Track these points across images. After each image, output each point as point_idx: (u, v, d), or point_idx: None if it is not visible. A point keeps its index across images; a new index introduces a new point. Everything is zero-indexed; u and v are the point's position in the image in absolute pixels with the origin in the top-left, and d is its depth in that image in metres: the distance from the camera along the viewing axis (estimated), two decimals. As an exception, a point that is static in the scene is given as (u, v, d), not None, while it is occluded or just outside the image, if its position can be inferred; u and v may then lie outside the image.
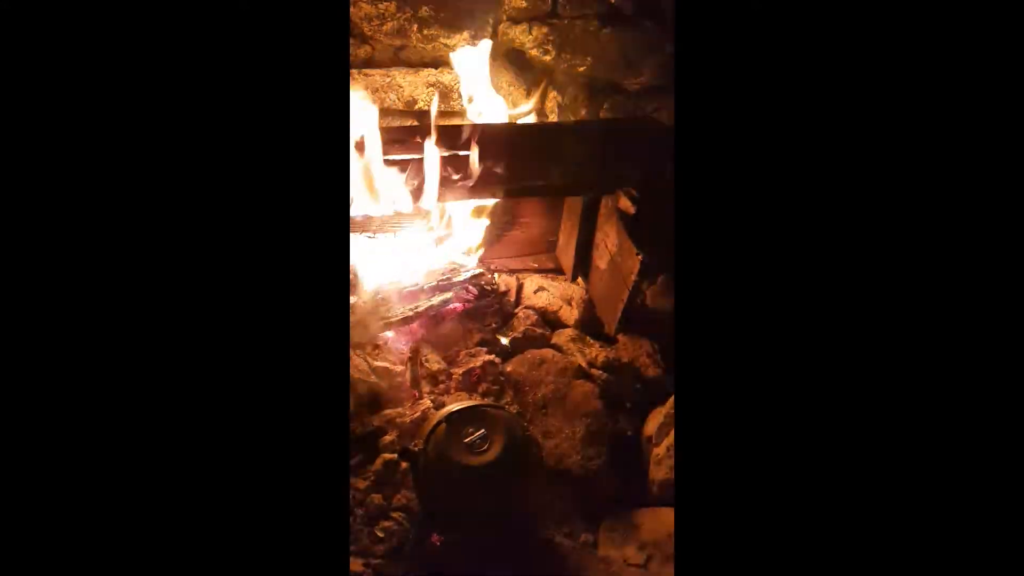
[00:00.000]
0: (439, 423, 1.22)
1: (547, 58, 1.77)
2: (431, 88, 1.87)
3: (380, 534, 1.19)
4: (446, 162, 1.51)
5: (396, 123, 1.88)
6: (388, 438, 1.35)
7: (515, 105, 1.89)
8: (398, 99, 1.87)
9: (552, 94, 1.88)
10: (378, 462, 1.29)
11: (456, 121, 1.90)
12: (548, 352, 1.58)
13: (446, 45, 1.81)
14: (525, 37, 1.76)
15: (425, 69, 1.85)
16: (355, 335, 1.48)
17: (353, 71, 1.81)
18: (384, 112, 1.88)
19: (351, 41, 1.80)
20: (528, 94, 1.87)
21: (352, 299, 1.57)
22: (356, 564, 1.14)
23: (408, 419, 1.38)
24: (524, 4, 1.72)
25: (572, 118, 1.90)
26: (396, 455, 1.30)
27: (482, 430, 1.19)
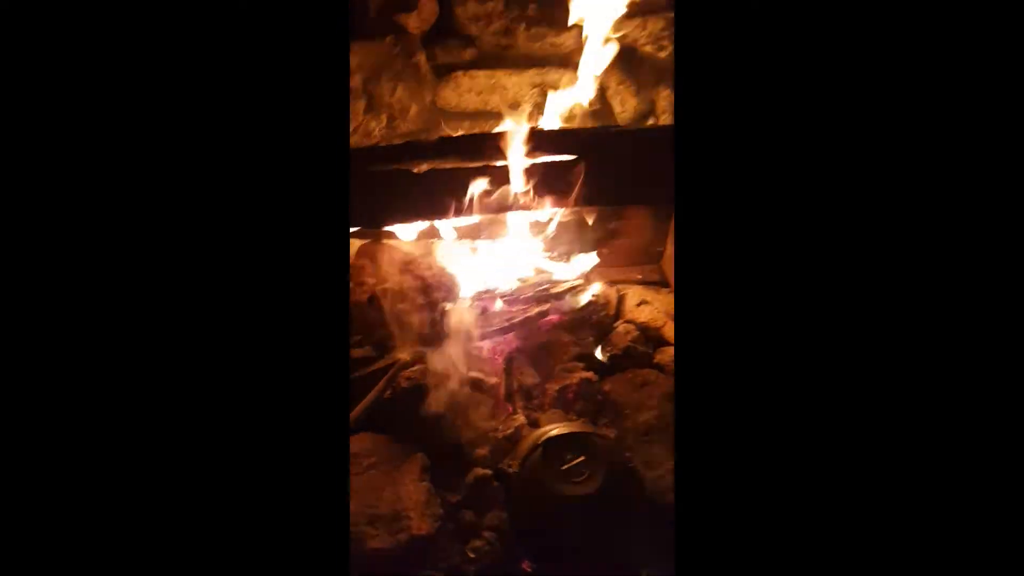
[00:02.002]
0: (536, 447, 1.16)
1: (662, 55, 1.65)
2: (536, 88, 1.81)
3: (471, 555, 1.16)
4: (549, 168, 1.45)
5: (498, 127, 1.85)
6: (481, 452, 1.32)
7: (623, 105, 1.79)
8: (501, 101, 1.83)
9: (664, 93, 1.75)
10: (470, 476, 1.27)
11: (561, 125, 1.83)
12: (652, 373, 1.47)
13: (553, 44, 1.75)
14: (639, 32, 1.65)
15: (531, 69, 1.79)
16: (450, 344, 1.46)
17: (458, 73, 1.80)
18: (486, 115, 1.85)
19: (456, 43, 1.79)
20: (636, 94, 1.76)
21: (448, 306, 1.56)
22: (446, 583, 1.12)
23: (501, 434, 1.34)
24: (639, -2, 1.61)
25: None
26: (489, 471, 1.27)
27: (582, 457, 1.12)
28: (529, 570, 1.14)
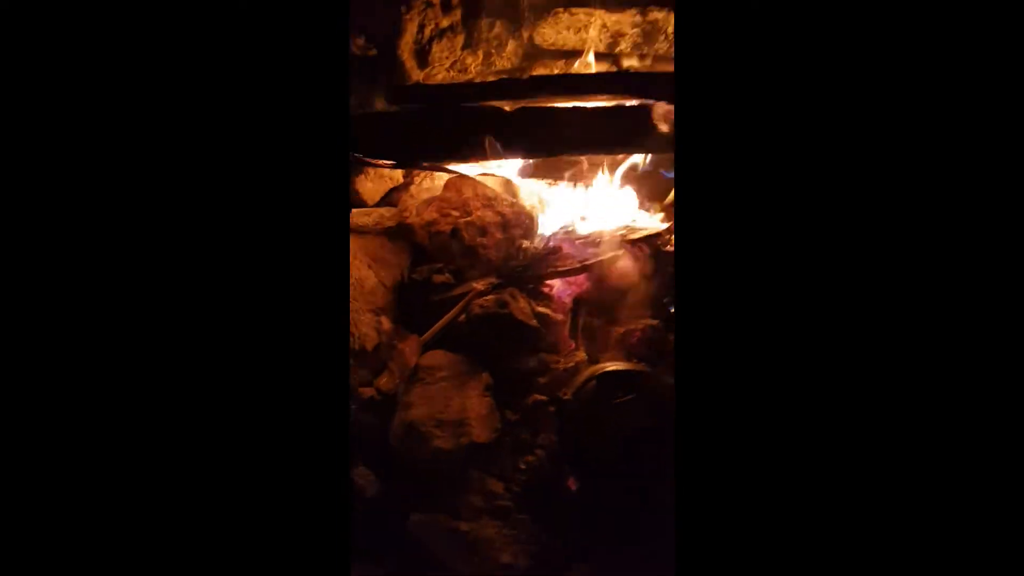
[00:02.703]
0: (590, 379, 1.23)
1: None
2: (636, 29, 1.75)
3: (523, 466, 1.28)
4: (640, 111, 1.43)
5: (592, 66, 1.82)
6: (542, 380, 1.42)
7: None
8: (599, 39, 1.79)
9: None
10: (530, 400, 1.37)
11: (660, 67, 1.77)
12: (718, 328, 1.47)
13: (660, -20, 1.67)
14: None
15: (632, 8, 1.73)
16: (524, 278, 1.54)
17: (559, 9, 1.78)
18: (583, 54, 1.83)
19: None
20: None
21: (526, 243, 1.63)
22: (498, 486, 1.25)
23: (561, 367, 1.43)
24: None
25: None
26: (546, 397, 1.36)
27: (632, 395, 1.18)
28: (573, 488, 1.25)
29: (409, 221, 1.66)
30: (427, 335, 1.46)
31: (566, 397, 1.28)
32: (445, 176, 1.71)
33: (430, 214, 1.61)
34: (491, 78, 1.74)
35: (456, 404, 1.32)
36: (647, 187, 1.75)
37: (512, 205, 1.64)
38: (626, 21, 1.75)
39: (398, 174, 1.76)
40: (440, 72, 1.70)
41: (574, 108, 1.48)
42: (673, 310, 1.58)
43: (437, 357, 1.43)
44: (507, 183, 1.72)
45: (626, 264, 1.63)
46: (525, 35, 1.79)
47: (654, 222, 1.68)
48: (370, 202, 1.70)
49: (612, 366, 1.26)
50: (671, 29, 1.73)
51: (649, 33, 1.75)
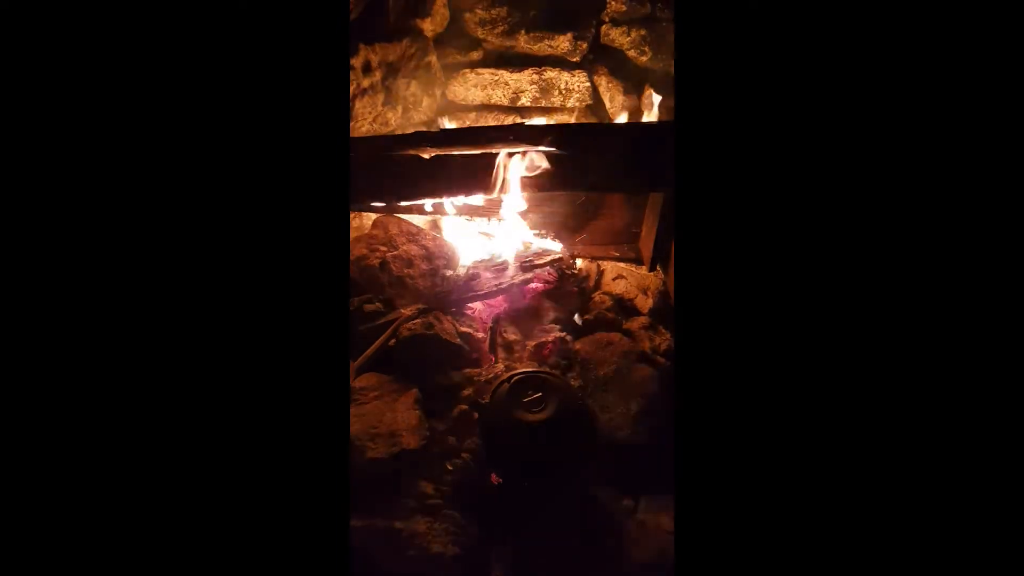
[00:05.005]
0: (502, 383, 1.42)
1: (643, 59, 1.85)
2: (534, 85, 2.04)
3: (450, 467, 1.43)
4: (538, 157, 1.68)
5: (500, 118, 2.08)
6: (466, 392, 1.59)
7: (612, 101, 2.00)
8: (503, 96, 2.07)
9: (648, 92, 1.96)
10: (455, 410, 1.53)
11: (557, 117, 2.06)
12: (616, 335, 1.70)
13: (550, 46, 1.97)
14: (624, 38, 1.86)
15: (529, 68, 2.02)
16: (447, 303, 1.73)
17: (466, 70, 2.04)
18: (490, 108, 2.09)
19: (465, 44, 2.03)
20: (623, 92, 1.97)
21: (449, 272, 1.82)
22: (428, 487, 1.39)
23: (483, 378, 1.60)
24: (624, 8, 1.81)
25: (668, 117, 1.96)
26: (470, 407, 1.53)
27: (539, 394, 1.37)
28: (496, 482, 1.41)
29: (340, 258, 1.81)
30: (360, 360, 1.60)
31: (484, 402, 1.46)
32: (373, 216, 1.89)
33: (359, 250, 1.77)
34: (410, 130, 1.96)
35: (388, 419, 1.46)
36: (554, 220, 2.01)
37: (435, 239, 1.83)
38: (524, 79, 2.03)
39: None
40: (364, 125, 1.91)
41: (482, 155, 1.71)
42: (580, 322, 1.81)
43: (370, 379, 1.57)
44: (429, 219, 1.92)
45: (538, 287, 1.85)
46: (438, 92, 2.03)
47: (557, 247, 1.92)
48: (303, 242, 1.84)
49: (521, 370, 1.45)
50: (563, 85, 2.03)
51: (545, 89, 2.04)
